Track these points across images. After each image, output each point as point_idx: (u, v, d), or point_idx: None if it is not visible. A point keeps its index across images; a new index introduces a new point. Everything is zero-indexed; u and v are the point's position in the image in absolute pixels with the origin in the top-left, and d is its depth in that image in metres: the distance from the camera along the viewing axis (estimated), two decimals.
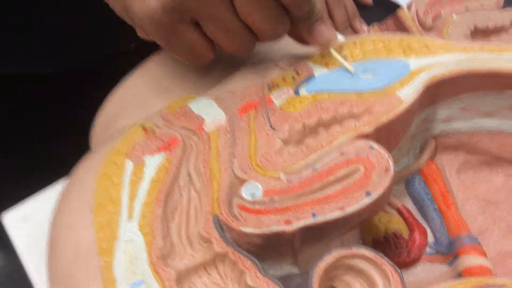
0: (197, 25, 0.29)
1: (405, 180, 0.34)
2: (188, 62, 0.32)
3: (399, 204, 0.33)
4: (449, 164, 0.35)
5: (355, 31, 0.55)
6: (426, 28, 0.46)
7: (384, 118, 0.29)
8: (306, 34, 0.33)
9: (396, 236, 0.31)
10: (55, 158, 0.47)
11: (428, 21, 0.46)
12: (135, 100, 0.36)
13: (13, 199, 0.44)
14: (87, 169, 0.30)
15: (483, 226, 0.34)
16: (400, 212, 0.32)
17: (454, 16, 0.46)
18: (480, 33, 0.45)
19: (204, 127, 0.31)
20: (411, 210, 0.33)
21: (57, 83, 0.48)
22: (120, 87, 0.38)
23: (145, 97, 0.36)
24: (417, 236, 0.31)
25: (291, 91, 0.33)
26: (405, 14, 0.46)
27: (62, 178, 0.46)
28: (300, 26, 0.32)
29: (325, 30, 0.32)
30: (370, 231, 0.32)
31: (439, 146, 0.35)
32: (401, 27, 0.46)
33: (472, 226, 0.33)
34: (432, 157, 0.35)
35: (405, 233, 0.32)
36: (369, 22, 0.55)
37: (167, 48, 0.32)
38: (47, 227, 0.42)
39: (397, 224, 0.32)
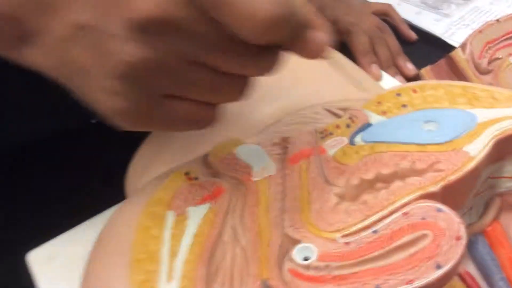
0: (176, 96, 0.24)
1: (467, 241, 0.31)
2: (192, 130, 0.27)
3: (462, 269, 0.30)
4: None
5: (399, 69, 0.53)
6: (481, 71, 0.43)
7: (453, 177, 0.27)
8: (300, 50, 0.25)
9: None
10: (83, 197, 0.45)
11: (484, 64, 0.43)
12: (174, 144, 0.34)
13: (38, 239, 0.42)
14: (125, 219, 0.28)
15: None
16: (463, 279, 0.29)
17: (511, 59, 0.43)
18: None
19: (251, 177, 0.29)
20: (474, 276, 0.30)
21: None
22: None
23: (185, 140, 0.34)
24: None
25: (346, 140, 0.30)
26: (459, 55, 0.44)
27: (89, 218, 0.44)
28: (293, 46, 0.25)
29: (318, 37, 0.24)
30: None
31: (504, 205, 0.32)
32: (455, 69, 0.44)
33: None
34: (497, 217, 0.32)
35: None
36: (417, 60, 0.53)
37: (160, 130, 0.27)
38: (72, 268, 0.39)
39: None
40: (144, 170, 0.33)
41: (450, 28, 0.63)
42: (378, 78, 0.50)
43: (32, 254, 0.42)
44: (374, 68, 0.51)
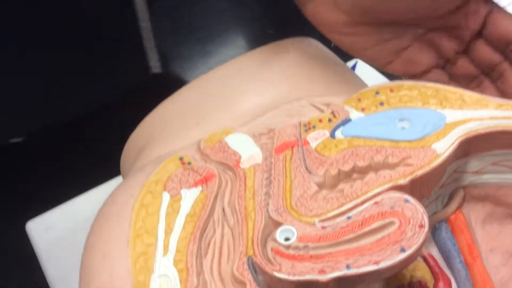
0: None
1: (432, 227, 0.35)
2: None
3: (425, 252, 0.33)
4: (475, 214, 0.35)
5: None
6: None
7: (420, 172, 0.30)
8: None
9: (421, 284, 0.32)
10: (80, 171, 0.48)
11: None
12: (169, 127, 0.37)
13: (37, 209, 0.44)
14: (125, 198, 0.30)
15: (505, 278, 0.34)
16: (426, 260, 0.33)
17: None
18: None
19: (240, 164, 0.32)
20: (436, 258, 0.33)
21: None
22: (152, 113, 0.38)
23: (180, 124, 0.37)
24: (441, 286, 0.32)
25: (327, 134, 0.33)
26: None
27: (84, 191, 0.47)
28: None
29: None
30: (395, 276, 0.32)
31: (466, 196, 0.35)
32: None
33: (493, 277, 0.33)
34: (459, 207, 0.35)
35: (429, 282, 0.32)
36: None
37: None
38: (68, 238, 0.42)
39: (422, 272, 0.32)
40: (138, 153, 0.36)
41: None
42: None
43: (31, 223, 0.44)
44: None
